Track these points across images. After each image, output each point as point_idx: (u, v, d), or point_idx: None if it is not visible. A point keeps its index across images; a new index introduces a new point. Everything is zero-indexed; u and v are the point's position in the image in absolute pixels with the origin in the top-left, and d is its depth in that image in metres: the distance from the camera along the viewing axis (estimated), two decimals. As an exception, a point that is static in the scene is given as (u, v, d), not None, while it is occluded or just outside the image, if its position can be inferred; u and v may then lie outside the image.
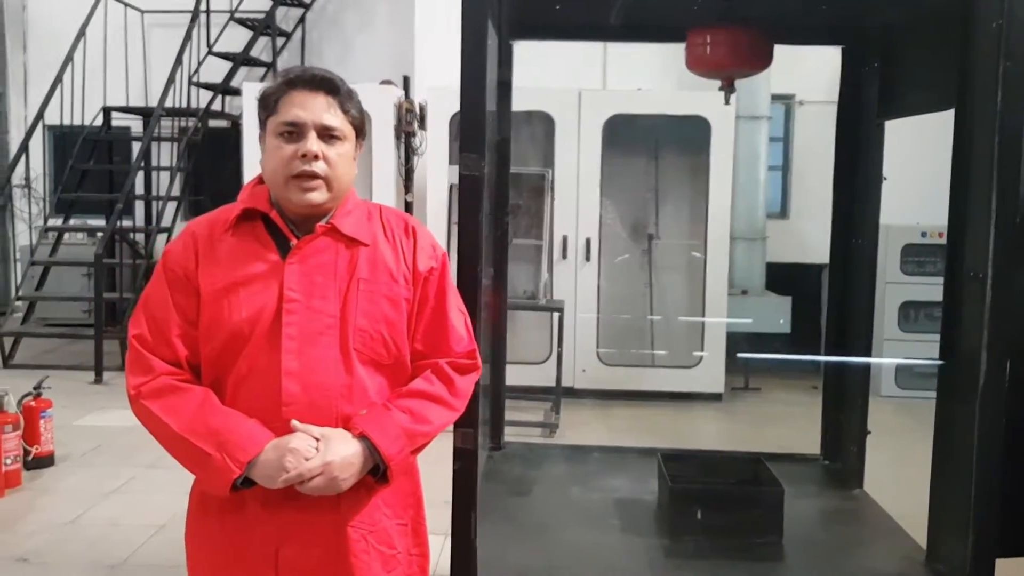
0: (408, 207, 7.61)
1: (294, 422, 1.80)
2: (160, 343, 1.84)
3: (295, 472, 1.76)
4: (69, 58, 8.12)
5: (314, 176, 1.84)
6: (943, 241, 7.79)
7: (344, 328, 1.86)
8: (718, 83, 3.26)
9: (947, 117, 2.95)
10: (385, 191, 7.23)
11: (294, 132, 1.84)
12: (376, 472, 1.89)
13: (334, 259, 1.88)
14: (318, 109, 1.86)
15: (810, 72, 7.21)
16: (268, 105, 1.89)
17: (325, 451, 1.78)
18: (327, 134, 1.86)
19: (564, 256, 7.05)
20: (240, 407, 1.82)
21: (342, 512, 1.88)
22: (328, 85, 1.89)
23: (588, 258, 7.12)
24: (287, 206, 1.89)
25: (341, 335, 1.86)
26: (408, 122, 7.29)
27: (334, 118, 1.87)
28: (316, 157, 1.84)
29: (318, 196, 1.85)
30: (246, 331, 1.82)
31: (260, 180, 1.96)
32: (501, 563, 2.67)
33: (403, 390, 1.94)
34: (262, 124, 1.91)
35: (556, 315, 6.55)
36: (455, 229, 6.45)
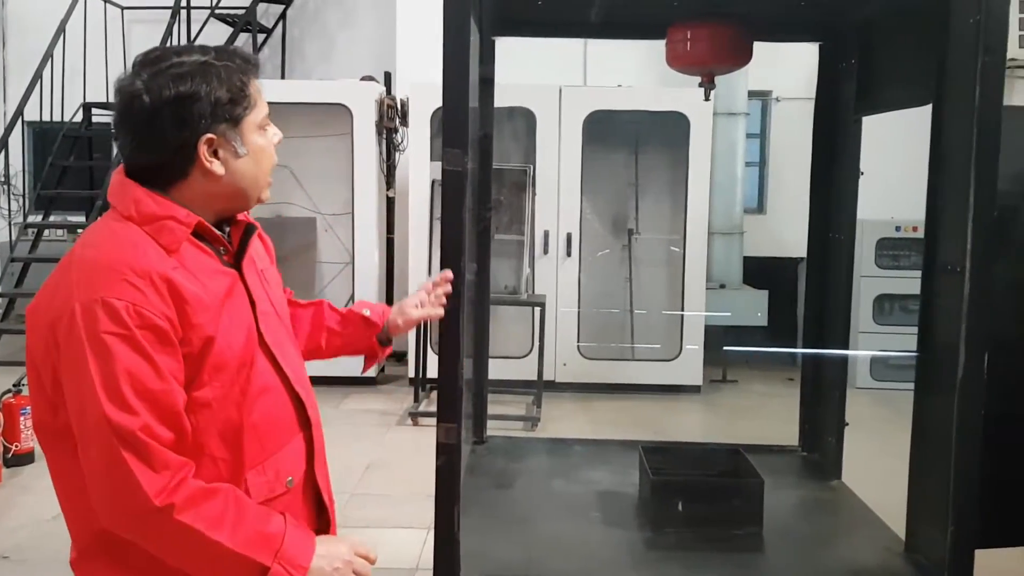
0: (390, 203, 7.62)
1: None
2: (169, 425, 1.49)
3: None
4: (49, 54, 8.07)
5: None
6: (917, 235, 7.95)
7: (283, 322, 1.79)
8: (697, 79, 3.28)
9: (918, 112, 3.00)
10: (367, 187, 7.24)
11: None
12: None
13: (252, 257, 1.75)
14: None
15: (787, 68, 7.27)
16: (248, 99, 1.63)
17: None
18: None
19: (545, 251, 7.08)
20: (260, 430, 1.65)
21: None
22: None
23: (569, 253, 7.16)
24: (242, 208, 1.71)
25: (286, 328, 1.79)
26: (390, 118, 7.30)
27: None
28: None
29: None
30: (246, 356, 1.63)
31: (125, 177, 1.62)
32: (483, 556, 2.68)
33: None
34: (234, 123, 1.62)
35: (538, 310, 6.58)
36: (437, 225, 6.49)
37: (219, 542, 1.49)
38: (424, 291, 2.20)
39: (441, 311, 2.20)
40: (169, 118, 1.56)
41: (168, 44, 8.15)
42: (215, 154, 1.61)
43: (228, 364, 1.59)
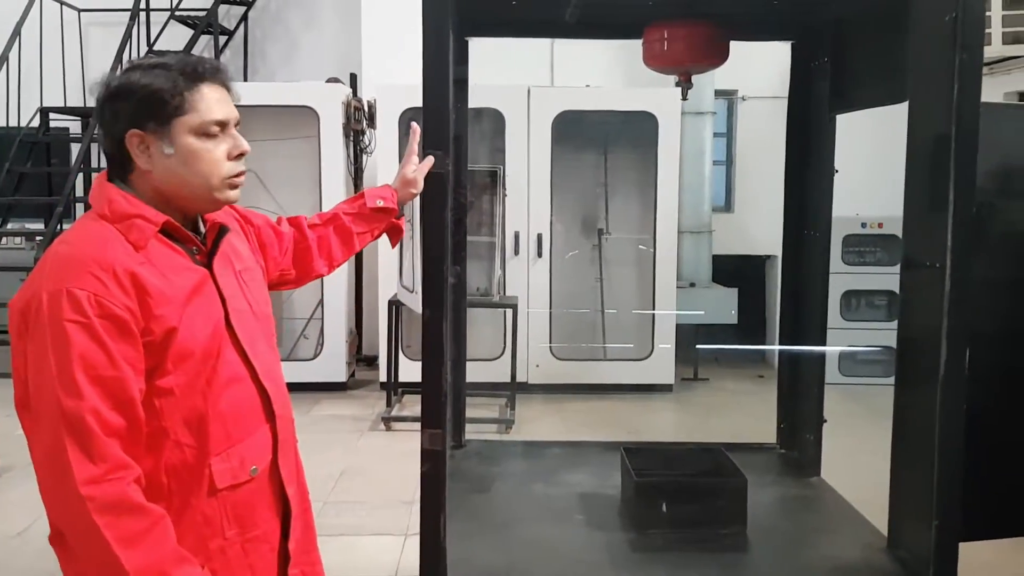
0: (358, 206, 7.53)
1: None
2: (120, 411, 1.56)
3: None
4: (4, 58, 7.90)
5: (242, 174, 1.79)
6: (882, 231, 7.98)
7: (260, 320, 1.86)
8: (665, 79, 3.28)
9: (880, 109, 3.02)
10: (334, 190, 7.16)
11: (218, 131, 1.74)
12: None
13: (227, 256, 1.85)
14: (230, 102, 1.78)
15: (752, 67, 7.32)
16: (175, 104, 1.69)
17: None
18: (235, 128, 1.80)
19: (516, 252, 7.06)
20: (226, 419, 1.72)
21: None
22: (228, 75, 1.80)
23: (540, 254, 7.15)
24: (191, 209, 1.77)
25: (262, 327, 1.86)
26: (357, 120, 7.23)
27: (237, 112, 1.81)
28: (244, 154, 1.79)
29: (238, 194, 1.81)
30: (212, 348, 1.71)
31: (105, 180, 1.74)
32: (468, 562, 2.65)
33: None
34: (162, 122, 1.69)
35: (509, 311, 6.55)
36: (408, 227, 6.41)
37: (119, 559, 1.50)
38: (411, 153, 2.40)
39: (430, 159, 2.41)
40: (107, 112, 1.70)
41: (127, 47, 8.01)
42: (147, 150, 1.70)
43: (192, 354, 1.66)
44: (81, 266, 1.58)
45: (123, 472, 1.53)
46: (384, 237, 2.45)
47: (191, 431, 1.67)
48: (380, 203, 2.31)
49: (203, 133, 1.72)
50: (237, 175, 1.77)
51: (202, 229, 1.82)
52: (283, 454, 1.84)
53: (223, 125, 1.74)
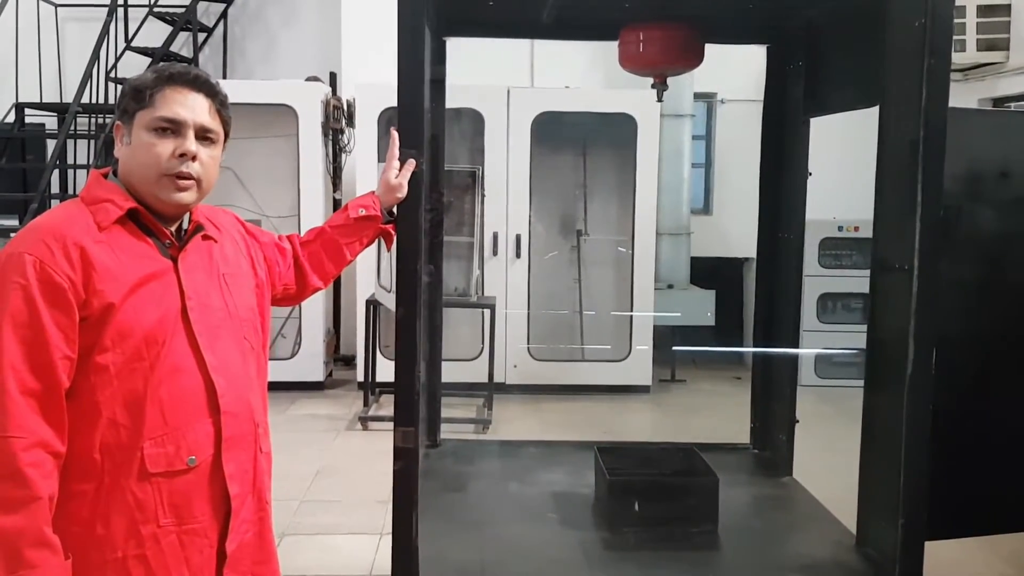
0: (337, 205, 7.53)
1: None
2: (38, 375, 1.66)
3: None
4: (-22, 52, 7.82)
5: (189, 176, 1.84)
6: (858, 235, 8.04)
7: (234, 321, 1.93)
8: (644, 80, 3.29)
9: (857, 113, 3.05)
10: (313, 189, 7.15)
11: (169, 129, 1.83)
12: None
13: (206, 256, 1.93)
14: (199, 109, 1.87)
15: (731, 70, 7.36)
16: (142, 98, 1.84)
17: None
18: (203, 135, 1.87)
19: (495, 253, 7.07)
20: (165, 405, 1.78)
21: None
22: (209, 87, 1.90)
23: (518, 255, 7.15)
24: (153, 203, 1.86)
25: (234, 328, 1.92)
26: (336, 119, 7.22)
27: (213, 120, 1.90)
28: (194, 158, 1.84)
29: (189, 196, 1.86)
30: (159, 334, 1.77)
31: (104, 174, 1.90)
32: (441, 561, 2.66)
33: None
34: (128, 116, 1.86)
35: (487, 312, 6.56)
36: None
37: None
38: (392, 158, 2.40)
39: (412, 162, 2.42)
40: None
41: (104, 43, 7.95)
42: (121, 141, 1.87)
43: (132, 334, 1.74)
44: (38, 235, 1.73)
45: (23, 434, 1.62)
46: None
47: (129, 412, 1.74)
48: (362, 212, 2.35)
49: (154, 128, 1.82)
50: (179, 175, 1.83)
51: (207, 228, 1.96)
52: (228, 451, 1.86)
53: (177, 125, 1.83)
